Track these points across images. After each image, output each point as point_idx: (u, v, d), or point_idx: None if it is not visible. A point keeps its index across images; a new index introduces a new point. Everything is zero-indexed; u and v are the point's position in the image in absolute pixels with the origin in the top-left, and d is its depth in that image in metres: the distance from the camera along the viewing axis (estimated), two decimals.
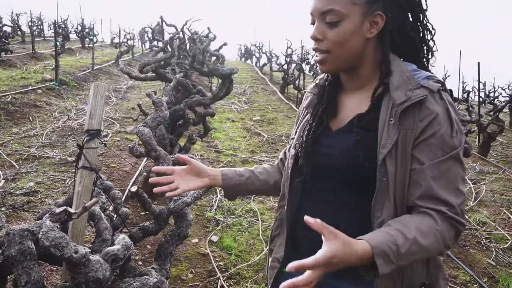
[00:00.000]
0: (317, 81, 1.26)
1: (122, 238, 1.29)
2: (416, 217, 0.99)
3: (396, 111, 1.01)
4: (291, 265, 0.81)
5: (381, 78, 1.08)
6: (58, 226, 1.10)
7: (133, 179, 4.52)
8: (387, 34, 1.07)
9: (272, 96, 11.95)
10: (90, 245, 1.63)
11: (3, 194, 3.85)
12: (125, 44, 16.27)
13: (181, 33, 5.54)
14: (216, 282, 3.10)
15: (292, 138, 1.28)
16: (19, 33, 17.33)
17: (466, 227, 0.98)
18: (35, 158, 4.95)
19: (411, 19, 1.10)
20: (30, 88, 8.35)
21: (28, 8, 18.40)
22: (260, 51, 20.34)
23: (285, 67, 12.92)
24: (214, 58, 4.99)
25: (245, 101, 10.68)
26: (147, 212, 1.84)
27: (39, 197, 3.93)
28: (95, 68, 12.29)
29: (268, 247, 1.35)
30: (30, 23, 18.27)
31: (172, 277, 3.07)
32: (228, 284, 3.10)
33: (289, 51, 14.23)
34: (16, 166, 4.62)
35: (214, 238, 3.75)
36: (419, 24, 1.11)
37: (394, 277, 1.02)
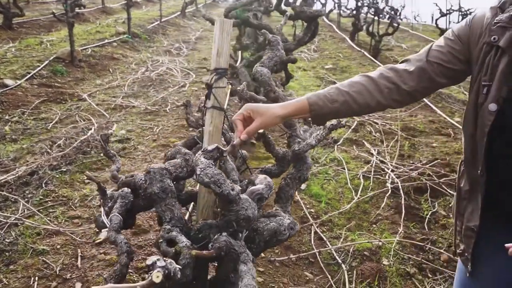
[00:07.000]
0: None
1: (264, 178, 1.26)
2: None
3: None
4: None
5: None
6: (213, 163, 1.08)
7: None
8: None
9: (342, 43, 11.44)
10: None
11: (100, 141, 4.06)
12: None
13: None
14: (309, 228, 3.10)
15: (486, 85, 1.01)
16: None
17: None
18: (122, 108, 5.15)
19: None
20: (106, 41, 8.61)
21: None
22: None
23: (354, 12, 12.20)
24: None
25: (314, 49, 10.31)
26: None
27: (132, 144, 4.10)
28: (163, 20, 12.40)
29: (454, 208, 1.23)
30: None
31: None
32: (321, 230, 3.10)
33: None
34: (106, 115, 4.84)
35: (302, 186, 3.73)
36: None
37: None
